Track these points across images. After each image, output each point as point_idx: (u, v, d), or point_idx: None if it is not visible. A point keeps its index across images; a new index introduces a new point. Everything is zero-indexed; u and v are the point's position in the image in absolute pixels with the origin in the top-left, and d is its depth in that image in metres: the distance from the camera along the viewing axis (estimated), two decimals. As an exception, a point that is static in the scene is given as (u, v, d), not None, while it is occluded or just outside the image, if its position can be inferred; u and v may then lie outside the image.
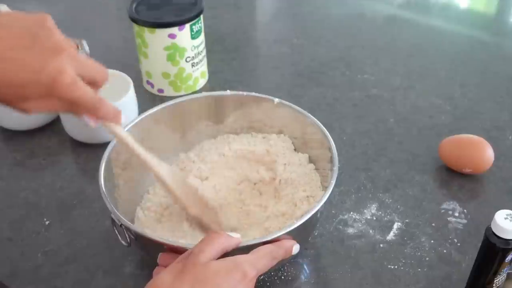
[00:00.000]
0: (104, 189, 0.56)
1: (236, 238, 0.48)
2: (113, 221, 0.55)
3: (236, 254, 0.47)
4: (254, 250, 0.48)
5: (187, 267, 0.43)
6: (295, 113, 0.66)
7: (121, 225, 0.54)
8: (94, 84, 0.49)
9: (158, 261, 0.52)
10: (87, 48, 0.51)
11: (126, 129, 0.63)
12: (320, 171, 0.65)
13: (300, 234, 0.56)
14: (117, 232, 0.55)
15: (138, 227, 0.53)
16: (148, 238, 0.52)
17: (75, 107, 0.47)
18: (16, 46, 0.43)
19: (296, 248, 0.52)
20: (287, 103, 0.67)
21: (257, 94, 0.69)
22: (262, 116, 0.70)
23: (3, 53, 0.43)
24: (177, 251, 0.50)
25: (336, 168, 0.58)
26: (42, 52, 0.44)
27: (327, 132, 0.62)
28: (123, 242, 0.55)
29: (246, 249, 0.49)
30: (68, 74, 0.44)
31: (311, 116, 0.65)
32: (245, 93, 0.69)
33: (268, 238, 0.50)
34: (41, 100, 0.45)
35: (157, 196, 0.65)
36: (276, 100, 0.67)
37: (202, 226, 0.59)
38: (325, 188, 0.58)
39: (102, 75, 0.49)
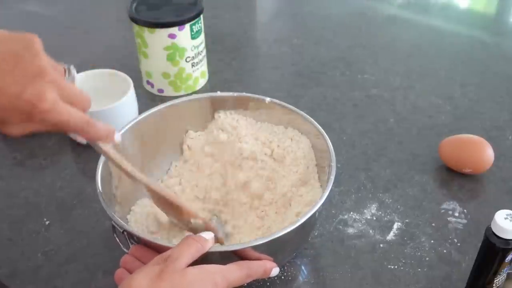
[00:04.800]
0: (103, 197, 0.55)
1: (210, 241, 0.49)
2: (113, 227, 0.54)
3: (223, 257, 0.49)
4: (235, 262, 0.49)
5: (165, 273, 0.44)
6: (288, 112, 0.66)
7: (123, 232, 0.53)
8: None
9: (129, 252, 0.53)
10: (75, 74, 0.49)
11: (126, 128, 0.63)
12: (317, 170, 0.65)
13: (299, 234, 0.56)
14: (118, 240, 0.55)
15: (141, 233, 0.52)
16: (153, 243, 0.51)
17: (62, 129, 0.45)
18: None
19: (275, 271, 0.53)
20: (279, 102, 0.66)
21: (248, 94, 0.68)
22: (254, 116, 0.69)
23: None
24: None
25: (333, 164, 0.57)
26: (22, 76, 0.40)
27: (322, 131, 0.62)
28: (124, 249, 0.55)
29: (231, 253, 0.50)
30: (48, 100, 0.41)
31: (305, 114, 0.64)
32: (235, 93, 0.68)
33: (254, 244, 0.50)
34: (23, 124, 0.42)
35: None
36: (268, 99, 0.67)
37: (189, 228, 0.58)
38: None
39: (85, 103, 0.46)
